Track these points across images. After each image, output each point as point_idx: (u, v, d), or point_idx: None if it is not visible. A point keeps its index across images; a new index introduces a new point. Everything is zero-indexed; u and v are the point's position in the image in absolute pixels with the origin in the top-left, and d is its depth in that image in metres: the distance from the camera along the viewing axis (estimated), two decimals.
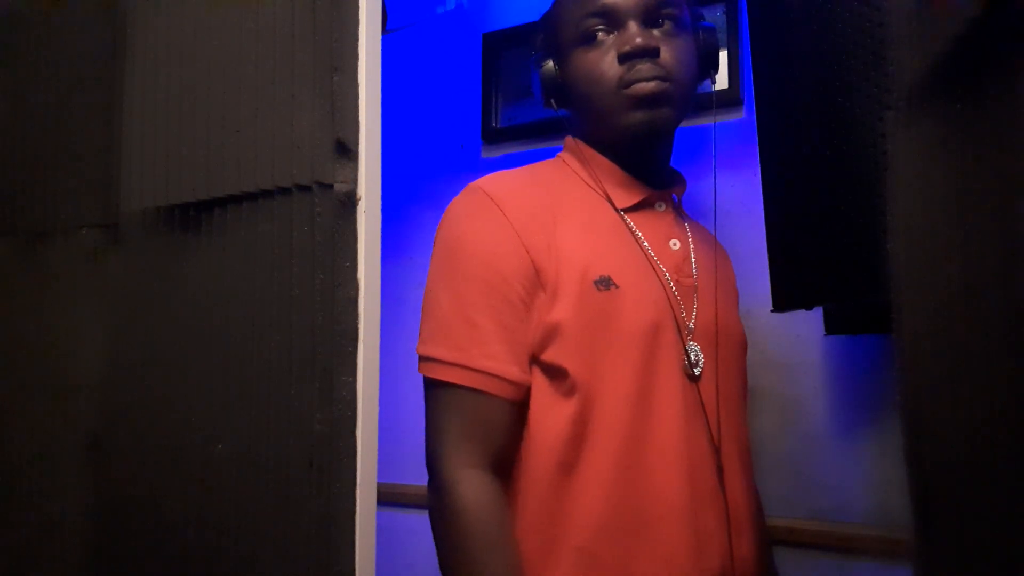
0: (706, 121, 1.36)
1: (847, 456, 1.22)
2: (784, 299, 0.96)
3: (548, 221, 0.81)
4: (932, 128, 0.45)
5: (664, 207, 0.91)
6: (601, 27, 0.86)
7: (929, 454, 0.45)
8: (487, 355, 0.75)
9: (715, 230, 0.96)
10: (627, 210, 0.87)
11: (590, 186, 0.88)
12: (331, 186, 0.57)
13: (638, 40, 0.83)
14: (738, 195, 1.33)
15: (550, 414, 0.76)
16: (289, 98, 0.59)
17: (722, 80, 1.34)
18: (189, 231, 0.63)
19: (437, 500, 0.75)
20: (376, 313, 0.60)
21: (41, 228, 0.71)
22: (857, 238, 0.79)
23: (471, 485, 0.74)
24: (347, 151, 0.58)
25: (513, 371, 0.76)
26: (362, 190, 0.58)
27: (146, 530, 0.62)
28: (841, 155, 0.80)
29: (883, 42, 0.75)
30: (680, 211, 0.95)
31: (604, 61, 0.85)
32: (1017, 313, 0.37)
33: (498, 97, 1.55)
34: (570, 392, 0.76)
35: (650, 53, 0.83)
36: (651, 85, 0.82)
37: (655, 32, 0.86)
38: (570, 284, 0.77)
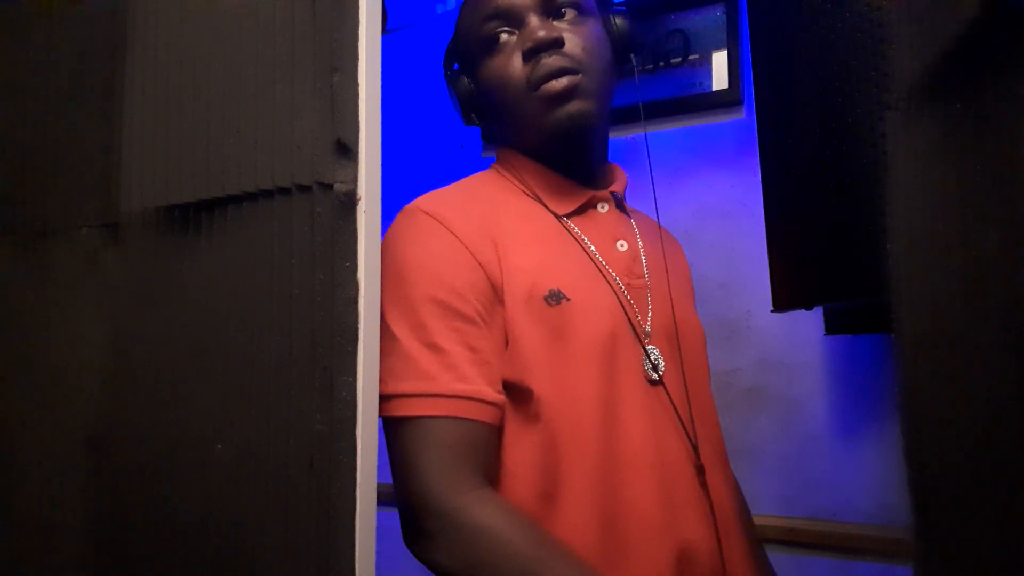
0: (706, 121, 1.37)
1: (847, 456, 1.22)
2: (784, 299, 0.96)
3: (493, 234, 0.77)
4: (932, 128, 0.45)
5: (606, 207, 0.87)
6: (502, 29, 0.82)
7: (929, 454, 0.45)
8: (460, 378, 0.69)
9: (657, 218, 0.94)
10: (568, 216, 0.83)
11: (527, 195, 0.84)
12: (331, 186, 0.57)
13: (540, 34, 0.79)
14: (738, 195, 1.33)
15: (520, 442, 0.72)
16: (289, 98, 0.59)
17: (722, 80, 1.34)
18: (189, 231, 0.63)
19: (443, 541, 0.65)
20: (376, 313, 0.60)
21: (41, 228, 0.71)
22: (857, 238, 0.79)
23: (484, 504, 0.66)
24: (347, 151, 0.58)
25: (489, 392, 0.70)
26: (362, 190, 0.58)
27: (146, 530, 0.62)
28: (841, 155, 0.80)
29: (883, 42, 0.75)
30: (624, 208, 0.92)
31: (511, 64, 0.81)
32: (1017, 313, 0.37)
33: None
34: (536, 417, 0.71)
35: (555, 44, 0.79)
36: (562, 83, 0.78)
37: (557, 24, 0.82)
38: (520, 302, 0.73)
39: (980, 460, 0.40)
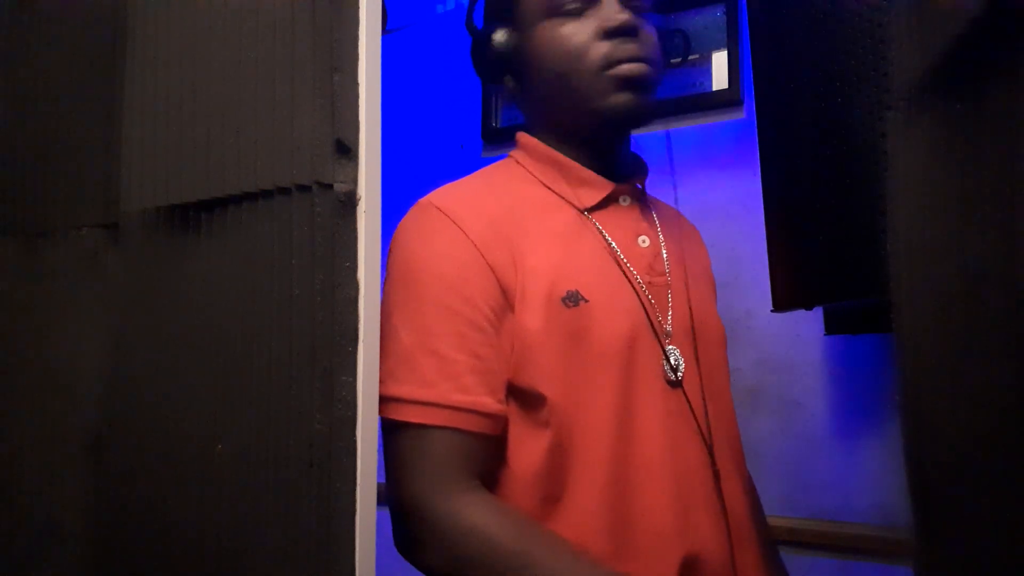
0: (706, 121, 1.37)
1: (847, 456, 1.22)
2: (784, 299, 0.96)
3: (509, 234, 0.74)
4: (932, 128, 0.44)
5: (628, 200, 0.84)
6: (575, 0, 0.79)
7: (929, 454, 0.45)
8: (459, 388, 0.68)
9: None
10: (590, 209, 0.81)
11: (548, 187, 0.81)
12: (331, 186, 0.57)
13: (624, 16, 0.76)
14: (738, 195, 1.33)
15: (525, 447, 0.71)
16: (289, 98, 0.59)
17: (722, 80, 1.34)
18: (189, 231, 0.63)
19: (432, 545, 0.66)
20: (376, 313, 0.60)
21: (41, 228, 0.71)
22: (857, 238, 0.79)
23: (473, 506, 0.66)
24: (347, 151, 0.58)
25: (489, 403, 0.69)
26: (362, 190, 0.58)
27: (146, 530, 0.62)
28: (841, 155, 0.80)
29: (883, 42, 0.75)
30: (645, 200, 0.89)
31: (583, 35, 0.77)
32: (1017, 313, 0.37)
33: (498, 97, 1.56)
34: (546, 423, 0.70)
35: (634, 32, 0.77)
36: (638, 67, 0.77)
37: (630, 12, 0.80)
38: (537, 304, 0.71)
39: (980, 460, 0.40)
